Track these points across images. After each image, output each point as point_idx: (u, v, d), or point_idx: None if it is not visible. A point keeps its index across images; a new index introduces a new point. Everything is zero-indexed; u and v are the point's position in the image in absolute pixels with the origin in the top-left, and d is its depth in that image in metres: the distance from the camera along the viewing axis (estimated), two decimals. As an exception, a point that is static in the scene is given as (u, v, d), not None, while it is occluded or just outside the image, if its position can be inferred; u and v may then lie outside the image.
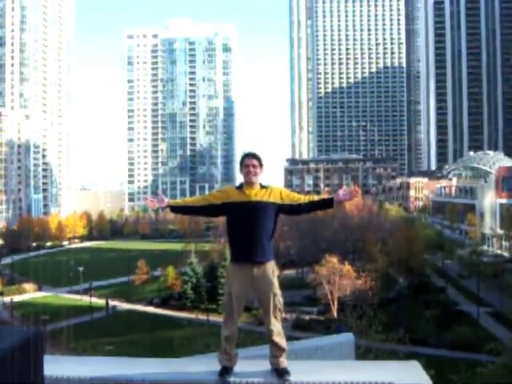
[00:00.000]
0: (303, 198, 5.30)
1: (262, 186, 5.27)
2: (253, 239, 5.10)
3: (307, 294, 64.66)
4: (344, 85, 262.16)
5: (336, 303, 56.43)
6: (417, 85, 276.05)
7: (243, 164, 5.26)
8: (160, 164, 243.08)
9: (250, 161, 5.24)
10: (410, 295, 63.09)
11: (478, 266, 61.66)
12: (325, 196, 5.38)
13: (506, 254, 77.08)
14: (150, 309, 65.80)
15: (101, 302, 66.86)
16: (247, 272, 5.15)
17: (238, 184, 5.45)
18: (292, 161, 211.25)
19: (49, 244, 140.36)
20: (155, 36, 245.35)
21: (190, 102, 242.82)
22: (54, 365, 5.39)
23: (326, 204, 5.31)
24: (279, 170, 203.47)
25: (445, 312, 52.57)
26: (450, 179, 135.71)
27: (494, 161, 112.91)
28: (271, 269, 5.19)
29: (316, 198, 5.35)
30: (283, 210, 5.26)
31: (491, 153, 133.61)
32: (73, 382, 5.04)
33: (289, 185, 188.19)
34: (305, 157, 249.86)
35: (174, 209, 5.48)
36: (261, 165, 5.28)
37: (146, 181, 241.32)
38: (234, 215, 5.21)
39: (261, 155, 5.37)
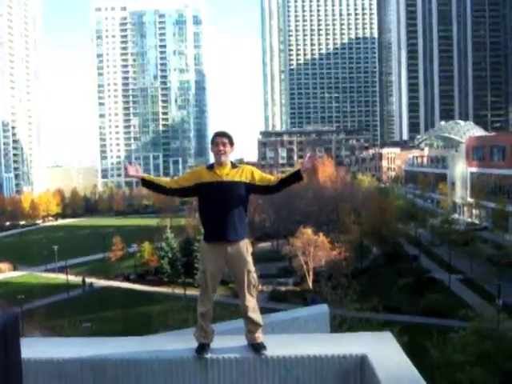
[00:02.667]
0: (273, 178, 5.34)
1: (234, 166, 5.27)
2: (225, 219, 5.15)
3: (283, 265, 65.27)
4: (316, 56, 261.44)
5: (311, 274, 57.09)
6: (388, 56, 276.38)
7: (213, 143, 5.26)
8: (132, 139, 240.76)
9: (220, 139, 5.22)
10: (383, 264, 64.12)
11: (450, 235, 62.77)
12: (292, 171, 5.42)
13: (476, 221, 78.51)
14: (127, 285, 65.81)
15: (77, 279, 66.59)
16: (220, 251, 5.20)
17: (209, 163, 5.44)
18: (265, 133, 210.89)
19: (22, 223, 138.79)
20: (124, 9, 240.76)
21: (161, 76, 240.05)
22: (32, 347, 5.41)
23: (295, 177, 5.34)
24: (253, 143, 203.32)
25: (417, 280, 53.57)
26: (422, 149, 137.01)
27: (465, 130, 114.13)
28: (245, 247, 5.25)
29: (284, 175, 5.39)
30: (254, 190, 5.30)
31: (462, 122, 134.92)
32: (51, 363, 5.06)
33: (263, 157, 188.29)
34: (278, 129, 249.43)
35: (146, 183, 5.43)
36: (231, 144, 5.26)
37: (118, 157, 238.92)
38: (206, 196, 5.23)
39: (232, 134, 5.35)
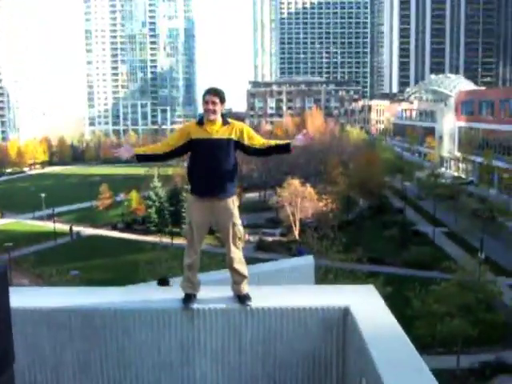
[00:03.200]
0: (262, 142, 5.32)
1: (225, 122, 5.23)
2: (214, 176, 5.16)
3: (270, 216, 65.76)
4: (307, 5, 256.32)
5: (298, 225, 57.58)
6: (380, 6, 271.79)
7: (204, 99, 5.20)
8: (120, 87, 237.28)
9: (210, 97, 5.15)
10: (369, 216, 64.77)
11: (436, 188, 63.24)
12: (282, 142, 5.41)
13: (462, 176, 79.08)
14: (115, 233, 66.10)
15: (64, 227, 66.72)
16: (207, 205, 5.24)
17: (199, 117, 5.38)
18: (254, 83, 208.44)
19: (9, 170, 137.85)
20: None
21: (150, 23, 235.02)
22: (20, 296, 5.48)
23: (284, 149, 5.36)
24: (242, 93, 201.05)
25: (402, 232, 54.27)
26: (411, 102, 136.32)
27: (455, 84, 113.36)
28: (231, 202, 5.29)
29: (274, 142, 5.39)
30: (241, 149, 5.29)
31: (452, 76, 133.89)
32: (39, 312, 5.14)
33: (251, 107, 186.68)
34: (267, 79, 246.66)
35: (141, 157, 5.40)
36: (222, 101, 5.19)
37: (106, 104, 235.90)
38: (195, 152, 5.22)
39: (223, 89, 5.29)
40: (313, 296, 5.32)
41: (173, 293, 5.14)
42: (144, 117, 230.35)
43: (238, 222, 5.32)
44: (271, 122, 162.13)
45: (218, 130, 5.17)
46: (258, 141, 5.31)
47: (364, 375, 4.29)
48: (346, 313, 4.95)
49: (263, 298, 5.10)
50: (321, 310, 5.01)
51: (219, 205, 5.23)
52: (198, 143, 5.17)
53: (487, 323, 30.75)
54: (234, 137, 5.20)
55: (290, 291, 5.48)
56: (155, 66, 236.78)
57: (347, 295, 5.28)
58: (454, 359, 28.59)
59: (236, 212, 5.32)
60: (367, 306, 5.00)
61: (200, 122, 5.24)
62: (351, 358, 4.84)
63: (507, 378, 27.94)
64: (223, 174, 5.18)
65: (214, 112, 5.14)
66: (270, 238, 58.12)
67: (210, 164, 5.17)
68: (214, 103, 5.13)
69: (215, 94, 5.18)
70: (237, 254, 5.31)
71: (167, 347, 5.10)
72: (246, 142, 5.25)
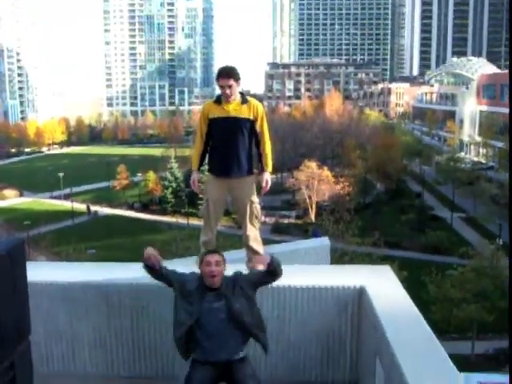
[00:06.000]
0: (261, 142, 5.30)
1: (244, 100, 5.14)
2: (230, 155, 5.13)
3: (286, 198, 65.66)
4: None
5: (314, 208, 57.51)
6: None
7: (218, 83, 5.07)
8: (138, 68, 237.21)
9: (225, 82, 4.99)
10: (386, 200, 64.39)
11: (455, 173, 62.61)
12: (265, 162, 5.41)
13: (482, 161, 78.23)
14: (131, 213, 66.51)
15: (82, 207, 67.30)
16: (224, 183, 5.24)
17: (217, 96, 5.26)
18: (273, 65, 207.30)
19: (27, 150, 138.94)
20: None
21: (168, 3, 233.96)
22: (37, 270, 5.53)
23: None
24: (260, 75, 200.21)
25: (420, 217, 53.93)
26: (432, 85, 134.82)
27: (477, 67, 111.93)
28: (249, 181, 5.27)
29: (264, 157, 5.37)
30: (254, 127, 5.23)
31: (474, 59, 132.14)
32: (55, 286, 5.19)
33: (269, 89, 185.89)
34: (286, 61, 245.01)
35: (199, 167, 5.44)
36: (237, 80, 5.05)
37: (124, 85, 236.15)
38: (214, 130, 5.19)
39: (237, 69, 5.12)
40: (328, 276, 5.30)
41: (189, 269, 5.14)
42: (161, 98, 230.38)
43: (256, 200, 5.31)
44: (289, 105, 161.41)
45: (235, 109, 5.10)
46: (265, 144, 5.30)
47: (378, 354, 4.28)
48: (361, 292, 4.94)
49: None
50: (336, 290, 5.00)
51: (236, 183, 5.22)
52: (216, 122, 5.13)
53: (503, 310, 30.57)
54: (251, 117, 5.15)
55: (306, 270, 5.47)
56: (173, 47, 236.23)
57: (363, 275, 5.26)
58: (469, 345, 28.54)
59: (253, 190, 5.31)
60: (383, 286, 4.97)
61: (218, 101, 5.18)
62: (366, 337, 4.83)
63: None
64: (241, 153, 5.15)
65: (231, 94, 5.04)
66: (285, 221, 58.13)
67: (227, 143, 5.13)
68: (230, 86, 5.01)
69: (228, 76, 5.01)
70: (253, 232, 5.30)
71: (182, 323, 5.11)
72: (257, 127, 5.19)
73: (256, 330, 4.19)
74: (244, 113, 5.10)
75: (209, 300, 4.11)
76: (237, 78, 5.06)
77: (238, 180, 5.20)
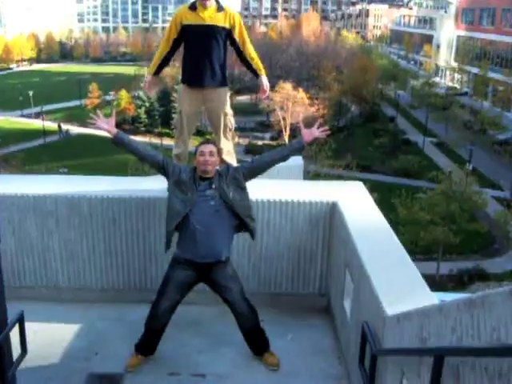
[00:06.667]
0: (246, 48, 5.09)
1: (219, 8, 4.95)
2: (204, 64, 4.96)
3: (260, 119, 65.37)
4: None
5: (288, 129, 57.34)
6: None
7: None
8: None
9: None
10: (360, 124, 64.50)
11: (429, 98, 62.61)
12: (257, 68, 5.19)
13: (457, 86, 78.19)
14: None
15: (53, 125, 65.96)
16: (198, 93, 5.11)
17: (190, 3, 5.10)
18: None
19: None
20: None
21: None
22: (8, 183, 5.45)
23: (253, 72, 5.20)
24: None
25: (393, 141, 54.27)
26: (411, 8, 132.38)
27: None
28: (223, 92, 5.15)
29: (252, 61, 5.15)
30: (232, 43, 5.06)
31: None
32: (26, 199, 5.11)
33: (245, 7, 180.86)
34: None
35: (157, 72, 5.23)
36: None
37: (95, 0, 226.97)
38: (187, 39, 4.99)
39: None
40: (301, 190, 5.31)
41: (160, 183, 5.11)
42: (134, 14, 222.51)
43: (230, 112, 5.21)
44: (265, 24, 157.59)
45: (211, 16, 4.91)
46: (245, 44, 5.08)
47: (348, 266, 4.35)
48: (333, 207, 4.97)
49: (251, 190, 5.09)
50: (308, 204, 5.02)
51: (210, 93, 5.09)
52: (190, 29, 4.93)
53: (469, 233, 31.48)
54: (227, 25, 4.97)
55: (278, 185, 5.45)
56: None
57: (335, 190, 5.27)
58: (435, 266, 29.44)
59: (227, 101, 5.20)
60: (355, 201, 5.01)
61: (192, 7, 4.97)
62: (336, 251, 4.91)
63: (484, 285, 28.90)
64: (215, 62, 4.99)
65: (209, 1, 4.86)
66: (260, 142, 57.99)
67: (201, 51, 4.96)
68: None
69: None
70: (226, 146, 5.24)
71: (153, 236, 5.13)
72: (236, 36, 5.01)
73: (247, 218, 4.27)
74: (220, 21, 4.92)
75: (201, 189, 4.19)
76: None
77: (211, 90, 5.07)
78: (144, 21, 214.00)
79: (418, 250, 29.35)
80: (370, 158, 49.68)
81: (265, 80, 5.19)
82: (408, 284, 3.59)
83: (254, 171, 4.44)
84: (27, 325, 3.51)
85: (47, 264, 5.30)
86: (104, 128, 4.71)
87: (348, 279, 4.35)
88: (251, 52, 5.13)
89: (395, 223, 27.99)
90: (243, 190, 4.33)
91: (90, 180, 5.59)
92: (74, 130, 66.92)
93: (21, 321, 3.42)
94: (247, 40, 5.12)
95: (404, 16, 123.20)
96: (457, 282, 29.10)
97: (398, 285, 3.57)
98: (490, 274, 29.74)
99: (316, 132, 4.51)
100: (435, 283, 28.03)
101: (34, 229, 5.18)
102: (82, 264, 5.27)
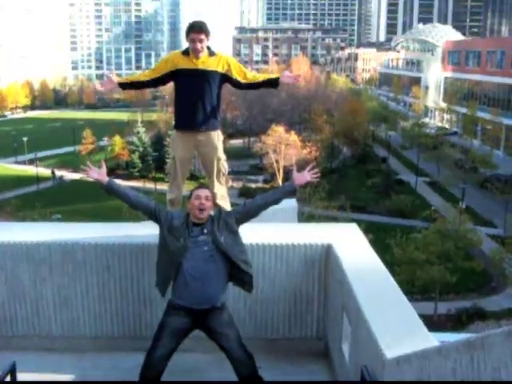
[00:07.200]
0: (251, 77, 5.14)
1: (211, 53, 5.04)
2: (197, 108, 5.01)
3: (253, 163, 65.75)
4: None
5: (281, 172, 57.60)
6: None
7: (189, 37, 4.91)
8: (104, 30, 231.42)
9: (197, 35, 4.86)
10: (353, 165, 64.97)
11: (420, 138, 63.37)
12: (271, 76, 5.27)
13: (447, 126, 79.16)
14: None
15: (47, 172, 66.06)
16: (190, 138, 5.14)
17: (183, 49, 5.18)
18: (241, 29, 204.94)
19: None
20: None
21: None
22: (0, 231, 5.41)
23: (271, 83, 5.23)
24: (227, 39, 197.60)
25: (385, 181, 54.60)
26: (398, 51, 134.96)
27: (442, 34, 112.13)
28: (215, 136, 5.18)
29: (262, 77, 5.22)
30: (229, 81, 5.12)
31: (440, 26, 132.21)
32: (19, 246, 5.07)
33: (237, 53, 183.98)
34: (254, 25, 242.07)
35: (125, 86, 5.20)
36: (207, 35, 4.94)
37: (89, 48, 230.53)
38: (180, 83, 5.06)
39: (207, 23, 5.04)
40: (295, 233, 5.31)
41: (155, 229, 5.10)
42: (128, 61, 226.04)
43: (223, 156, 5.24)
44: (257, 69, 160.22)
45: (203, 61, 4.98)
46: (246, 75, 5.14)
47: (345, 309, 4.31)
48: (328, 249, 4.95)
49: (245, 233, 5.08)
50: (303, 247, 5.00)
51: (203, 138, 5.12)
52: (183, 73, 4.99)
53: (466, 271, 31.38)
54: (220, 69, 5.04)
55: (273, 228, 5.46)
56: (139, 10, 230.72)
57: (330, 233, 5.27)
58: (432, 306, 29.24)
59: (220, 146, 5.23)
60: (350, 243, 5.00)
61: (185, 52, 5.05)
62: (333, 293, 4.87)
63: (483, 324, 28.66)
64: (207, 106, 5.04)
65: (202, 50, 4.91)
66: (253, 185, 58.17)
67: (194, 95, 5.01)
68: (201, 41, 4.88)
69: (200, 30, 4.89)
70: (220, 190, 5.24)
71: (147, 282, 5.08)
72: (235, 75, 5.08)
73: (241, 263, 4.22)
74: (212, 65, 4.99)
75: (194, 235, 4.16)
76: (208, 33, 4.97)
77: (204, 134, 5.11)
78: (137, 67, 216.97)
79: (414, 289, 29.20)
80: (364, 198, 49.86)
81: (286, 73, 5.26)
82: (405, 325, 3.56)
83: (247, 215, 4.44)
84: (19, 375, 3.44)
85: (40, 312, 5.22)
86: (95, 177, 4.68)
87: (345, 322, 4.31)
88: (255, 74, 5.24)
89: (391, 264, 27.89)
90: (235, 234, 4.30)
91: (84, 227, 5.57)
92: (68, 176, 67.00)
93: (13, 371, 3.36)
94: (247, 70, 5.21)
95: (392, 59, 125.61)
96: (455, 321, 28.85)
97: (396, 327, 3.54)
98: (488, 312, 29.53)
99: (308, 176, 4.54)
100: (433, 323, 27.79)
101: (27, 276, 5.12)
102: (76, 311, 5.20)
